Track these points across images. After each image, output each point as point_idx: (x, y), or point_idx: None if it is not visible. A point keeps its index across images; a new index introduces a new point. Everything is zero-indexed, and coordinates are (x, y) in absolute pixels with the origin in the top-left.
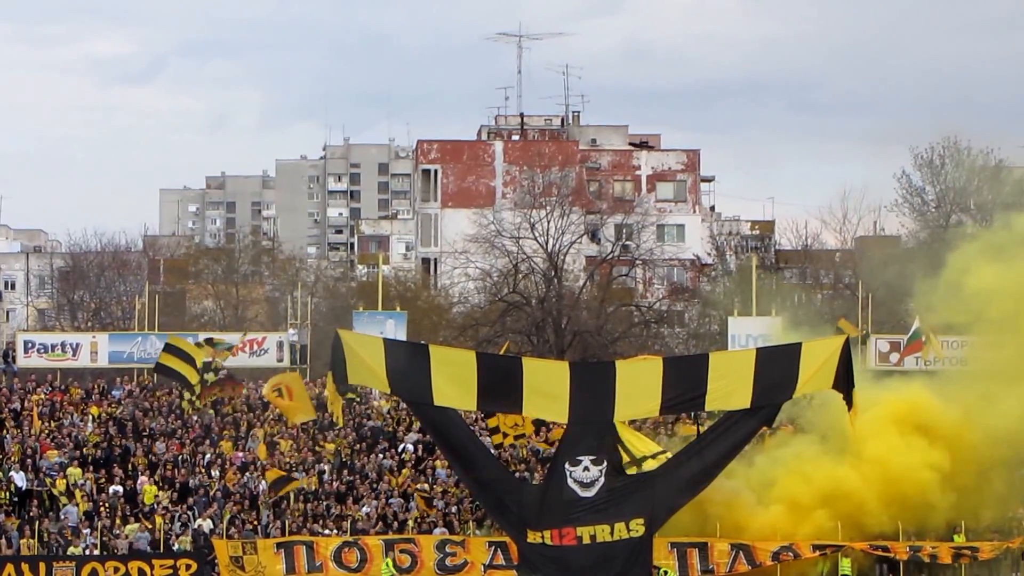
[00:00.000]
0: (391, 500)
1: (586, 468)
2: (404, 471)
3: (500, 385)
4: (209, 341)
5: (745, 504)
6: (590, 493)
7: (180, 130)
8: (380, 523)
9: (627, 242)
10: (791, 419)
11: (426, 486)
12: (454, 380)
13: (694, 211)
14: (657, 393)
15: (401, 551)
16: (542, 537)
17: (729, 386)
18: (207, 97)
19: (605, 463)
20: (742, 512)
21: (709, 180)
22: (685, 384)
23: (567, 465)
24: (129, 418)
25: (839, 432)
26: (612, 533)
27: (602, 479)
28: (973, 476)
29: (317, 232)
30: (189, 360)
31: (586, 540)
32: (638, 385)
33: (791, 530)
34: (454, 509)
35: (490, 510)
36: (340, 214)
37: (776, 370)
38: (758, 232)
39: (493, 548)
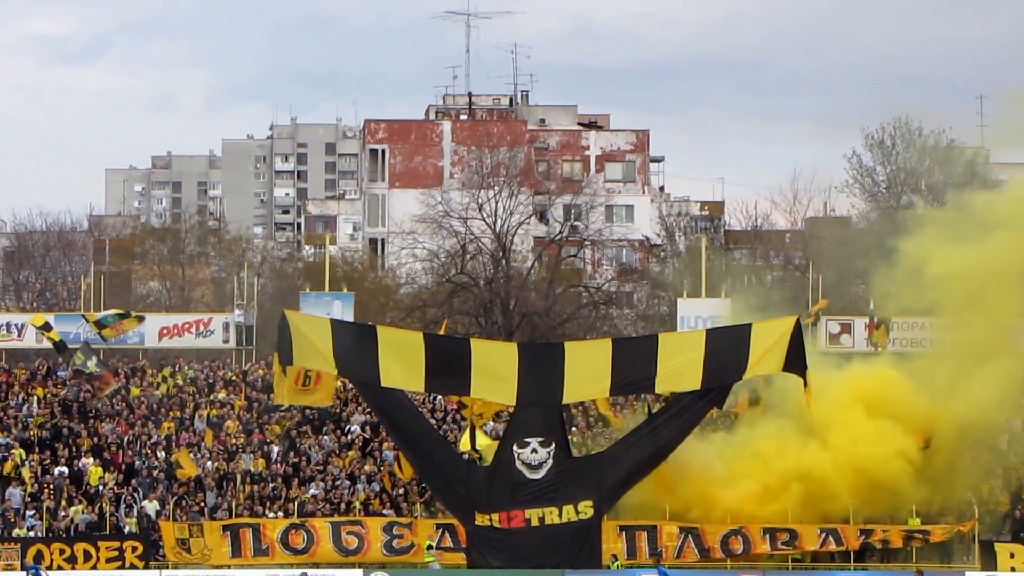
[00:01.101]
0: (338, 482)
1: (534, 450)
2: (351, 453)
3: (448, 366)
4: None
5: (714, 480)
6: (538, 475)
7: (125, 109)
8: (326, 505)
9: (576, 223)
10: (755, 399)
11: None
12: (402, 361)
13: (643, 192)
14: (607, 374)
15: (348, 533)
16: (490, 520)
17: (679, 367)
18: (152, 76)
19: (553, 445)
20: (710, 488)
21: (658, 160)
22: (635, 365)
23: (515, 447)
24: (74, 399)
25: (814, 415)
26: (561, 515)
27: (550, 461)
28: (944, 463)
29: (264, 212)
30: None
31: (534, 523)
32: (587, 367)
33: (757, 511)
34: (401, 491)
35: (437, 492)
36: (287, 194)
37: (726, 351)
38: (707, 213)
39: (440, 530)
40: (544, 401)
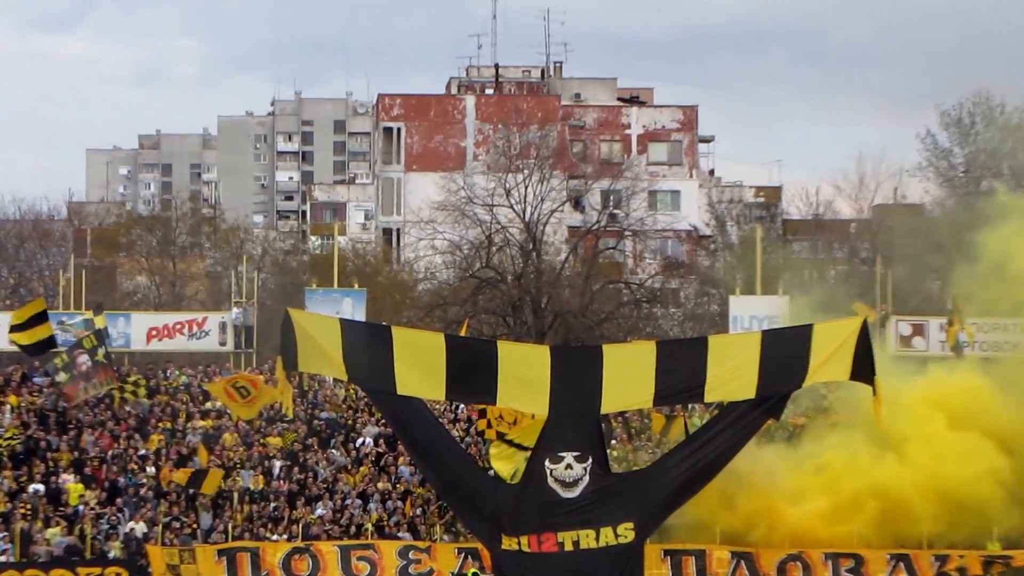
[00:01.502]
0: (347, 502)
1: (569, 466)
2: (362, 469)
3: (472, 372)
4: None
5: (780, 494)
6: (573, 494)
7: (109, 82)
8: (335, 527)
9: (615, 210)
10: (821, 409)
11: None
12: (420, 366)
13: (691, 175)
14: (650, 382)
15: (359, 558)
16: (519, 543)
17: (731, 374)
18: (140, 45)
19: (590, 460)
20: (775, 503)
21: (708, 140)
22: (682, 371)
23: (547, 462)
24: (52, 408)
25: (888, 428)
26: (598, 539)
27: (587, 478)
28: None
29: (264, 198)
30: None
31: (568, 547)
32: (628, 373)
33: (825, 531)
34: (419, 512)
35: (459, 513)
36: (291, 178)
37: (784, 356)
38: (763, 199)
39: (463, 555)
40: (580, 411)
